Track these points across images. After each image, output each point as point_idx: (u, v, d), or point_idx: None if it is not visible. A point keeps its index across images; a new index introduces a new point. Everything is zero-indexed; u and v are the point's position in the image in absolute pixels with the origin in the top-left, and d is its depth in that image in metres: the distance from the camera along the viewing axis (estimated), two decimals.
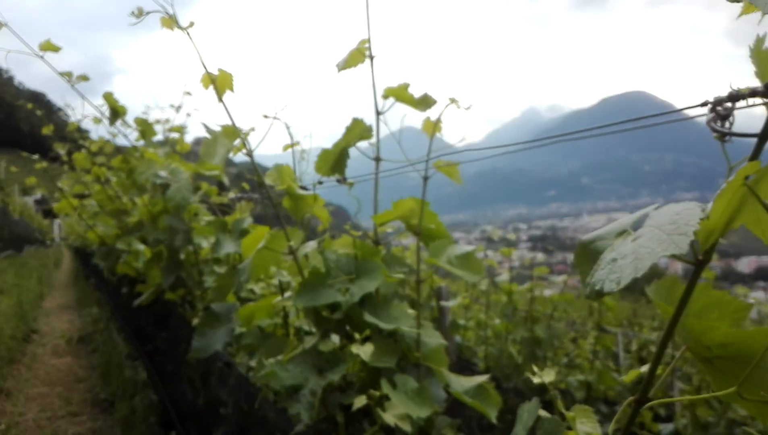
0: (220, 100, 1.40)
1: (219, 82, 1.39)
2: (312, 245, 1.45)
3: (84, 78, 2.76)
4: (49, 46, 2.78)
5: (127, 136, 3.13)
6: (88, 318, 9.13)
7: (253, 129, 1.38)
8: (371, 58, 1.54)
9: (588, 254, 0.70)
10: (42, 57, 2.84)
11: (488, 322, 4.32)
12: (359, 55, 1.54)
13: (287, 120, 1.52)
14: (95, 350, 6.87)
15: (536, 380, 0.83)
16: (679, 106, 1.03)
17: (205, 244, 2.71)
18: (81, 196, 5.18)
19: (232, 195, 2.64)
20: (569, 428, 0.80)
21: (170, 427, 3.63)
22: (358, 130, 1.51)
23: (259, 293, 2.07)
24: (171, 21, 1.37)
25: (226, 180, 2.64)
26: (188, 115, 3.81)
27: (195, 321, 2.57)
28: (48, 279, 15.89)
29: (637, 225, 0.68)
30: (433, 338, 1.33)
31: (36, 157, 4.51)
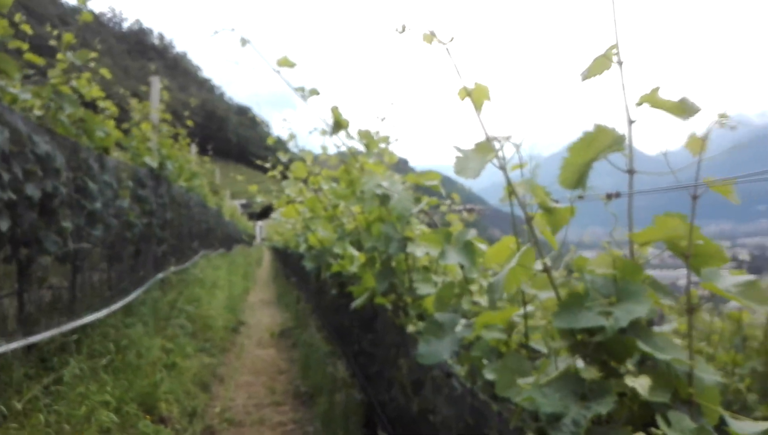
0: (477, 112, 1.39)
1: (475, 95, 1.39)
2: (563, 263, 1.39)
3: (315, 92, 2.96)
4: (285, 62, 3.02)
5: (346, 146, 3.30)
6: (287, 314, 9.89)
7: (508, 138, 1.36)
8: (620, 63, 1.45)
9: None
10: (278, 72, 3.10)
11: (709, 353, 3.86)
12: (605, 61, 1.46)
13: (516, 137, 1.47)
14: (295, 345, 7.41)
15: None
16: None
17: (419, 252, 2.76)
18: (290, 202, 5.65)
19: (456, 206, 2.67)
20: None
21: (372, 427, 3.75)
22: (606, 141, 1.41)
23: (484, 305, 2.05)
24: (431, 36, 1.41)
25: (443, 191, 2.67)
26: (395, 127, 3.93)
27: (409, 328, 2.62)
28: (252, 275, 17.61)
29: None
30: (708, 374, 1.18)
31: (267, 165, 4.98)
